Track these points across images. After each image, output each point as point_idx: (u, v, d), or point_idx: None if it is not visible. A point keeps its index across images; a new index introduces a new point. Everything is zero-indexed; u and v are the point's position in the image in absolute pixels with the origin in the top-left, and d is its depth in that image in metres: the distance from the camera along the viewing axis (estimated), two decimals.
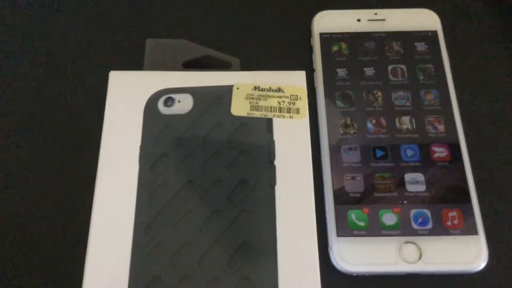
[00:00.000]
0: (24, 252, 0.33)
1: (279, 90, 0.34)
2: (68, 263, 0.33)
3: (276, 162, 0.32)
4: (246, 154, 0.32)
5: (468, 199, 0.33)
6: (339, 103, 0.36)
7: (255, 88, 0.34)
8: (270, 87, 0.34)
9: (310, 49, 0.39)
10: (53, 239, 0.33)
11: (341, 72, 0.37)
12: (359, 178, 0.34)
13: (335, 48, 0.38)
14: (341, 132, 0.35)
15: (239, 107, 0.34)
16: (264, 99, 0.34)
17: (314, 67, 0.38)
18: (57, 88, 0.38)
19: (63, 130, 0.37)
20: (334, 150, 0.35)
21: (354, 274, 0.32)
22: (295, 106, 0.34)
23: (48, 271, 0.32)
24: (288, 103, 0.34)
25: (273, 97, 0.34)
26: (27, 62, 0.39)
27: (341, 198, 0.33)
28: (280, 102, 0.34)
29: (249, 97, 0.34)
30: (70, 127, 0.37)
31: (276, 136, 0.33)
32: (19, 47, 0.40)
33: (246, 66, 0.38)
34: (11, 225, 0.34)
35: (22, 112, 0.37)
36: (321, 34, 0.39)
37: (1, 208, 0.34)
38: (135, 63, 0.38)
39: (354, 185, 0.34)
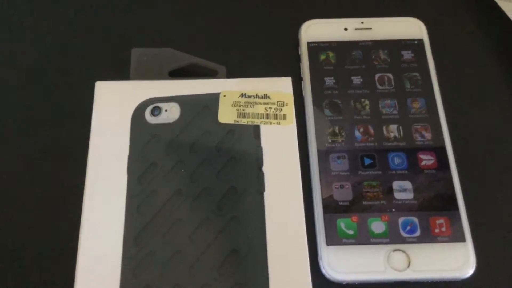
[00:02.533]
0: (13, 266, 0.33)
1: (265, 96, 0.35)
2: (57, 276, 0.33)
3: (264, 169, 0.33)
4: (234, 161, 0.33)
5: (455, 207, 0.34)
6: (327, 111, 0.37)
7: (242, 95, 0.35)
8: (256, 94, 0.35)
9: (297, 58, 0.40)
10: (41, 252, 0.33)
11: (329, 80, 0.38)
12: (347, 186, 0.34)
13: (322, 57, 0.39)
14: (329, 140, 0.36)
15: (226, 115, 0.34)
16: (251, 106, 0.34)
17: (302, 76, 0.39)
18: (43, 99, 0.38)
19: (50, 141, 0.37)
20: (323, 158, 0.35)
21: (344, 283, 0.32)
22: (282, 112, 0.34)
23: (38, 284, 0.33)
24: (275, 109, 0.34)
25: (260, 103, 0.35)
26: (12, 72, 0.39)
27: (330, 206, 0.34)
28: (267, 109, 0.34)
29: (236, 104, 0.34)
30: (57, 138, 0.37)
31: (264, 143, 0.34)
32: (4, 56, 0.40)
33: (232, 74, 0.38)
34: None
35: (8, 123, 0.37)
36: (308, 43, 0.39)
37: None
38: (121, 73, 0.38)
39: (343, 193, 0.34)
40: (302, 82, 0.38)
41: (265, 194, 0.32)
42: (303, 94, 0.38)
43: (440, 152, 0.35)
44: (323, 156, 0.35)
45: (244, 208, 0.32)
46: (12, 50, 0.40)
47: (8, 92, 0.39)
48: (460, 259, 0.32)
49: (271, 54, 0.40)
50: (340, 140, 0.36)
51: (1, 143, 0.37)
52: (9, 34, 0.41)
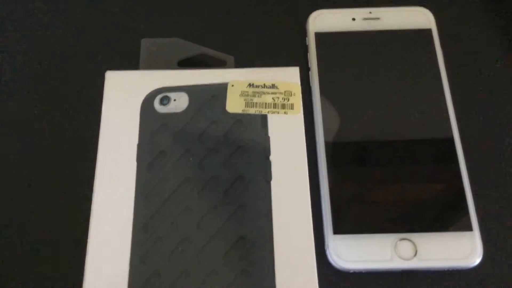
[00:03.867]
0: (23, 253, 0.34)
1: (273, 86, 0.35)
2: (68, 262, 0.34)
3: (271, 158, 0.33)
4: (241, 150, 0.34)
5: (463, 196, 0.34)
6: (334, 101, 0.37)
7: (250, 85, 0.35)
8: (264, 84, 0.35)
9: (305, 48, 0.40)
10: (52, 239, 0.34)
11: (337, 70, 0.38)
12: (355, 175, 0.35)
13: (330, 47, 0.39)
14: (337, 130, 0.36)
15: (234, 104, 0.35)
16: (258, 96, 0.35)
17: (309, 66, 0.39)
18: (52, 88, 0.39)
19: (60, 130, 0.38)
20: (330, 149, 0.36)
21: (351, 271, 0.33)
22: (289, 102, 0.35)
23: (49, 270, 0.34)
24: (282, 99, 0.35)
25: (268, 93, 0.35)
26: (20, 63, 0.40)
27: (336, 196, 0.34)
28: (274, 99, 0.35)
29: (243, 94, 0.35)
30: (67, 127, 0.38)
31: (271, 132, 0.34)
32: (12, 47, 0.41)
33: (241, 64, 0.39)
34: (9, 227, 0.35)
35: (17, 113, 0.38)
36: (316, 33, 0.40)
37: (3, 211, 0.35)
38: (130, 63, 0.39)
39: (350, 183, 0.35)
40: (309, 72, 0.39)
41: (272, 183, 0.33)
42: (311, 85, 0.38)
43: (448, 142, 0.36)
44: (330, 146, 0.36)
45: (251, 197, 0.32)
46: (22, 41, 0.41)
47: (17, 82, 0.39)
48: (467, 248, 0.32)
49: (279, 45, 0.41)
50: (347, 130, 0.36)
51: (11, 133, 0.38)
52: (19, 25, 0.42)
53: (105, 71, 0.36)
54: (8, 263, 0.34)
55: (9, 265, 0.34)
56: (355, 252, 0.33)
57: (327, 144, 0.36)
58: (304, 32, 0.41)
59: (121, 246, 0.31)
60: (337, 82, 0.38)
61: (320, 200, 0.35)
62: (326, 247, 0.33)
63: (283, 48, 0.41)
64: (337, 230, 0.33)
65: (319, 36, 0.40)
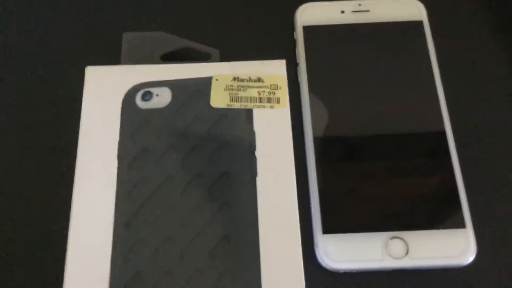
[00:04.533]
0: (3, 252, 0.33)
1: (259, 80, 0.35)
2: (48, 262, 0.33)
3: (257, 153, 0.33)
4: (226, 146, 0.33)
5: (455, 192, 0.33)
6: (323, 96, 0.36)
7: (235, 79, 0.35)
8: (249, 77, 0.35)
9: (292, 42, 0.39)
10: (31, 238, 0.34)
11: (325, 64, 0.38)
12: (344, 173, 0.34)
13: (319, 41, 0.38)
14: (326, 126, 0.35)
15: (219, 99, 0.34)
16: (243, 90, 0.34)
17: (297, 61, 0.38)
18: (32, 84, 0.38)
19: (39, 127, 0.37)
20: (319, 144, 0.35)
21: (341, 271, 0.32)
22: (276, 96, 0.34)
23: (28, 270, 0.33)
24: (268, 93, 0.34)
25: (253, 87, 0.34)
26: (2, 59, 0.40)
27: (326, 194, 0.33)
28: (260, 92, 0.34)
29: (228, 88, 0.34)
30: (46, 124, 0.37)
31: (257, 127, 0.33)
32: None
33: (226, 58, 0.38)
34: None
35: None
36: (304, 26, 0.39)
37: None
38: (112, 58, 0.38)
39: (339, 180, 0.34)
40: (297, 67, 0.38)
41: (258, 179, 0.32)
42: (299, 80, 0.38)
43: (440, 137, 0.35)
44: (319, 142, 0.35)
45: (236, 194, 0.32)
46: (2, 37, 0.40)
47: None
48: (460, 246, 0.32)
49: (266, 39, 0.40)
50: (337, 125, 0.35)
51: None
52: None
53: (85, 66, 0.35)
54: None
55: None
56: (345, 252, 0.32)
57: (316, 140, 0.35)
58: (292, 26, 0.40)
59: (102, 246, 0.31)
60: (326, 77, 0.37)
61: (309, 199, 0.34)
62: (315, 247, 0.32)
63: (270, 42, 0.40)
64: (326, 229, 0.33)
65: (308, 29, 0.39)
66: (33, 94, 0.38)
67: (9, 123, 0.37)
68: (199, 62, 0.36)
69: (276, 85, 0.35)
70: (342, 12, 0.39)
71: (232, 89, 0.34)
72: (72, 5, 0.41)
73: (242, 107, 0.34)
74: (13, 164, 0.36)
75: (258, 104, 0.34)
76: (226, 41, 0.40)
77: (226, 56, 0.38)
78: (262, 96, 0.34)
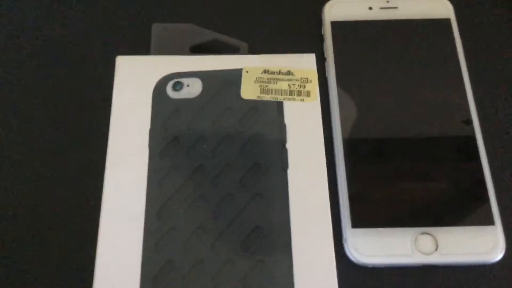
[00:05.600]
0: (36, 241, 0.33)
1: (289, 73, 0.35)
2: (80, 251, 0.33)
3: (288, 146, 0.33)
4: (257, 137, 0.33)
5: (484, 190, 0.34)
6: (351, 91, 0.37)
7: (265, 71, 0.35)
8: (279, 70, 0.35)
9: (320, 38, 0.40)
10: (65, 226, 0.34)
11: (353, 60, 0.38)
12: (373, 168, 0.34)
13: (346, 36, 0.39)
14: (355, 121, 0.36)
15: (249, 91, 0.34)
16: (274, 82, 0.35)
17: (325, 56, 0.38)
18: (64, 74, 0.39)
19: (71, 117, 0.37)
20: (347, 139, 0.35)
21: (370, 266, 0.32)
22: (306, 89, 0.35)
23: (60, 259, 0.33)
24: (298, 86, 0.35)
25: (283, 80, 0.35)
26: (31, 50, 0.40)
27: (355, 188, 0.34)
28: (290, 85, 0.35)
29: (258, 80, 0.35)
30: (78, 114, 0.37)
31: (287, 120, 0.34)
32: (25, 34, 0.40)
33: (254, 52, 0.38)
34: (22, 214, 0.34)
35: (29, 100, 0.38)
36: (332, 22, 0.39)
37: (13, 199, 0.35)
38: (141, 48, 0.38)
39: (368, 175, 0.34)
40: (325, 62, 0.38)
41: (289, 171, 0.32)
42: (327, 75, 0.38)
43: (469, 134, 0.35)
44: (348, 137, 0.35)
45: (267, 185, 0.32)
46: (32, 28, 0.41)
47: (29, 68, 0.39)
48: (489, 243, 0.32)
49: (293, 33, 0.40)
50: (365, 122, 0.36)
51: (23, 118, 0.37)
52: (27, 12, 0.41)
53: (115, 56, 0.36)
54: (21, 250, 0.33)
55: (22, 252, 0.33)
56: (374, 247, 0.32)
57: (344, 135, 0.35)
58: (319, 21, 0.40)
59: (134, 234, 0.31)
60: (353, 72, 0.37)
61: (338, 193, 0.34)
62: (344, 241, 0.33)
63: (298, 37, 0.40)
64: (355, 224, 0.33)
65: (335, 25, 0.39)
66: (66, 85, 0.38)
67: (42, 113, 0.37)
68: (229, 54, 0.36)
69: (306, 78, 0.35)
70: (370, 8, 0.40)
71: (263, 82, 0.35)
72: None
73: (273, 99, 0.34)
74: (45, 154, 0.36)
75: (288, 97, 0.34)
76: (254, 35, 0.40)
77: (254, 50, 0.38)
78: (292, 89, 0.34)
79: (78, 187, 0.35)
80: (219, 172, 0.32)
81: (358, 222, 0.33)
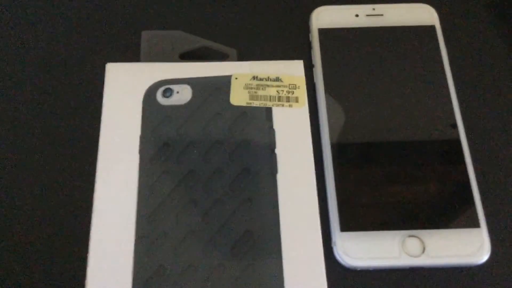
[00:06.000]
0: (26, 247, 0.34)
1: (277, 79, 0.36)
2: (70, 256, 0.33)
3: (277, 151, 0.34)
4: (246, 143, 0.34)
5: (470, 193, 0.34)
6: (339, 97, 0.37)
7: (254, 77, 0.35)
8: (268, 77, 0.36)
9: (307, 45, 0.40)
10: (54, 233, 0.34)
11: (341, 67, 0.38)
12: (361, 172, 0.35)
13: (334, 43, 0.39)
14: (342, 126, 0.36)
15: (238, 97, 0.35)
16: (262, 89, 0.35)
17: (313, 63, 0.39)
18: (54, 80, 0.39)
19: (61, 123, 0.37)
20: (335, 144, 0.36)
21: (358, 269, 0.33)
22: (294, 95, 0.35)
23: (51, 265, 0.33)
24: (287, 92, 0.35)
25: (272, 86, 0.35)
26: (20, 56, 0.40)
27: (343, 193, 0.34)
28: (279, 91, 0.35)
29: (247, 86, 0.35)
30: (68, 120, 0.38)
31: (276, 125, 0.34)
32: (12, 40, 0.41)
33: (243, 58, 0.39)
34: (11, 221, 0.34)
35: (18, 106, 0.38)
36: (319, 29, 0.40)
37: (4, 206, 0.35)
38: (131, 55, 0.39)
39: (356, 180, 0.35)
40: (313, 68, 0.39)
41: (278, 176, 0.33)
42: (315, 81, 0.38)
43: (454, 138, 0.36)
44: (336, 142, 0.36)
45: (257, 190, 0.32)
46: (23, 35, 0.41)
47: (20, 76, 0.39)
48: (475, 245, 0.33)
49: (281, 41, 0.41)
50: (353, 127, 0.36)
51: (12, 128, 0.37)
52: (19, 19, 0.42)
53: (105, 63, 0.36)
54: (12, 257, 0.33)
55: (13, 259, 0.33)
56: (362, 249, 0.33)
57: (332, 140, 0.36)
58: (306, 28, 0.41)
59: (125, 239, 0.31)
60: (341, 78, 0.38)
61: (327, 197, 0.35)
62: (333, 245, 0.33)
63: (286, 43, 0.41)
64: (344, 227, 0.33)
65: (323, 32, 0.40)
66: (55, 92, 0.39)
67: (31, 120, 0.38)
68: (218, 61, 0.37)
69: (295, 84, 0.35)
70: (357, 15, 0.40)
71: (252, 88, 0.35)
72: (92, 4, 0.42)
73: (262, 105, 0.35)
74: (35, 159, 0.36)
75: (277, 102, 0.35)
76: (242, 42, 0.41)
77: (243, 57, 0.39)
78: (281, 95, 0.35)
79: (69, 193, 0.35)
80: (209, 177, 0.33)
81: (347, 225, 0.33)
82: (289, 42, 0.41)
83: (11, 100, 0.38)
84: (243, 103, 0.35)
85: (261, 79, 0.35)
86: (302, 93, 0.35)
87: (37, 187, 0.35)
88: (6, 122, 0.37)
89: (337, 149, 0.36)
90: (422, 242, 0.33)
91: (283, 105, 0.35)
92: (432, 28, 0.40)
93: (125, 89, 0.35)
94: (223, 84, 0.35)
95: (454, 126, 0.36)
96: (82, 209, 0.34)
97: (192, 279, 0.30)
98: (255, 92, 0.35)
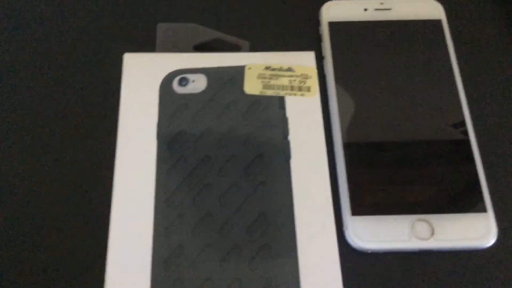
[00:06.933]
0: (47, 228, 0.35)
1: (289, 69, 0.37)
2: (91, 236, 0.35)
3: (289, 138, 0.35)
4: (260, 130, 0.35)
5: (477, 178, 0.36)
6: (348, 88, 0.39)
7: (266, 68, 0.37)
8: (281, 67, 0.37)
9: (317, 38, 0.42)
10: (76, 215, 0.35)
11: (350, 59, 0.40)
12: (371, 159, 0.36)
13: (343, 36, 0.41)
14: (352, 115, 0.38)
15: (252, 86, 0.36)
16: (275, 78, 0.37)
17: (323, 55, 0.41)
18: (71, 73, 0.40)
19: (80, 114, 0.39)
20: (345, 132, 0.37)
21: (369, 251, 0.34)
22: (306, 85, 0.36)
23: (72, 245, 0.34)
24: (299, 81, 0.37)
25: (284, 76, 0.37)
26: (39, 49, 0.41)
27: (354, 178, 0.35)
28: (291, 81, 0.37)
29: (261, 76, 0.37)
30: (87, 110, 0.39)
31: (289, 113, 0.36)
32: (30, 33, 0.42)
33: (255, 50, 0.40)
34: (32, 205, 0.35)
35: (36, 98, 0.39)
36: (329, 22, 0.41)
37: (19, 193, 0.36)
38: (146, 48, 0.40)
39: (367, 166, 0.36)
40: (323, 60, 0.40)
41: (291, 161, 0.34)
42: (325, 72, 0.40)
43: (461, 126, 0.37)
44: (346, 130, 0.37)
45: (271, 174, 0.34)
46: (39, 27, 0.42)
47: (38, 68, 0.40)
48: (482, 229, 0.34)
49: (292, 33, 0.42)
50: (362, 115, 0.38)
51: (30, 118, 0.38)
52: (36, 10, 0.43)
53: (121, 56, 0.37)
54: (36, 236, 0.34)
55: (37, 237, 0.34)
56: (373, 233, 0.34)
57: (343, 129, 0.37)
58: (317, 22, 0.42)
59: (144, 221, 0.32)
60: (350, 71, 0.39)
61: (338, 183, 0.36)
62: (344, 228, 0.34)
63: (297, 37, 0.42)
64: (355, 212, 0.34)
65: (333, 25, 0.41)
66: (74, 82, 0.40)
67: (50, 109, 0.39)
68: (232, 52, 0.38)
69: (307, 74, 0.37)
70: (365, 9, 0.42)
71: (265, 78, 0.37)
72: None
73: (275, 94, 0.36)
74: (55, 147, 0.37)
75: (289, 92, 0.36)
76: (254, 34, 0.42)
77: (255, 49, 0.40)
78: (293, 84, 0.36)
79: (90, 178, 0.36)
80: (224, 162, 0.34)
81: (358, 210, 0.35)
82: (300, 35, 0.42)
83: (30, 92, 0.39)
84: (257, 92, 0.36)
85: (274, 69, 0.37)
86: (313, 82, 0.37)
87: (57, 173, 0.36)
88: (24, 110, 0.39)
89: (347, 137, 0.37)
90: (431, 226, 0.34)
91: (295, 94, 0.36)
92: (438, 22, 0.42)
93: (142, 79, 0.36)
94: (237, 73, 0.37)
95: (461, 114, 0.38)
96: (102, 193, 0.35)
97: (209, 258, 0.31)
98: (268, 82, 0.36)
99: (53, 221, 0.35)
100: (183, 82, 0.36)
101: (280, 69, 0.37)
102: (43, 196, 0.36)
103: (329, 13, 0.42)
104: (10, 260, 0.34)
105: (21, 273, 0.33)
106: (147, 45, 0.40)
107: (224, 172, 0.34)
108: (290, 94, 0.36)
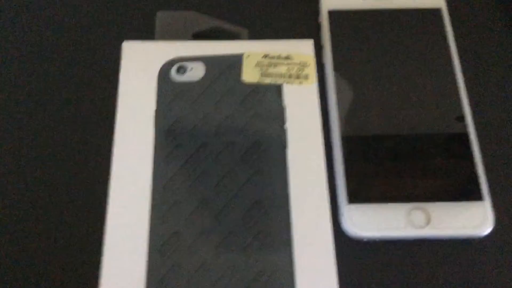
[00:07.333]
0: (45, 219, 0.35)
1: (288, 57, 0.37)
2: (87, 222, 0.35)
3: (287, 126, 0.35)
4: (257, 118, 0.35)
5: (474, 168, 0.36)
6: (347, 77, 0.39)
7: (265, 56, 0.37)
8: (279, 55, 0.37)
9: (317, 26, 0.42)
10: (72, 203, 0.36)
11: (349, 48, 0.40)
12: (368, 147, 0.36)
13: (343, 25, 0.41)
14: (350, 103, 0.38)
15: (250, 74, 0.37)
16: (273, 66, 0.37)
17: (322, 43, 0.41)
18: (69, 60, 0.41)
19: (78, 100, 0.39)
20: (343, 121, 0.37)
21: (365, 239, 0.34)
22: (304, 73, 0.37)
23: (69, 233, 0.35)
24: (297, 69, 0.37)
25: (282, 64, 0.37)
26: (36, 36, 0.42)
27: (351, 166, 0.36)
28: (289, 69, 0.37)
29: (259, 64, 0.37)
30: (84, 97, 0.39)
31: (287, 101, 0.36)
32: (26, 20, 0.42)
33: (254, 38, 0.40)
34: (30, 191, 0.36)
35: (35, 84, 0.40)
36: (329, 11, 0.42)
37: (15, 188, 0.36)
38: (146, 35, 0.40)
39: (363, 154, 0.36)
40: (322, 49, 0.41)
41: (288, 149, 0.34)
42: (323, 62, 0.40)
43: (459, 114, 0.37)
44: (344, 119, 0.37)
45: (267, 162, 0.34)
46: (37, 14, 0.43)
47: (34, 54, 0.41)
48: (478, 217, 0.34)
49: (291, 22, 0.43)
50: (360, 104, 0.38)
51: (28, 102, 0.39)
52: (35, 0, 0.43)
53: (121, 43, 0.38)
54: (31, 218, 0.35)
55: (35, 227, 0.35)
56: (369, 221, 0.34)
57: (340, 116, 0.37)
58: (316, 10, 0.42)
59: (141, 208, 0.33)
60: (349, 59, 0.40)
61: (334, 171, 0.36)
62: (340, 216, 0.35)
63: (296, 25, 0.42)
64: (351, 200, 0.35)
65: (332, 14, 0.41)
66: (72, 70, 0.40)
67: (47, 98, 0.39)
68: (230, 40, 0.38)
69: (305, 62, 0.37)
70: None
71: (263, 66, 0.37)
72: None
73: (272, 82, 0.36)
74: (52, 132, 0.38)
75: (287, 80, 0.36)
76: (253, 23, 0.42)
77: (254, 37, 0.41)
78: (291, 72, 0.37)
79: (87, 164, 0.37)
80: (221, 150, 0.34)
81: (354, 198, 0.35)
82: (298, 23, 0.42)
83: (26, 78, 0.40)
84: (255, 80, 0.36)
85: (272, 57, 0.37)
86: (311, 71, 0.37)
87: (54, 162, 0.37)
88: (21, 98, 0.39)
89: (344, 125, 0.37)
90: (427, 214, 0.34)
91: (293, 83, 0.36)
92: (438, 11, 0.42)
93: (140, 66, 0.37)
94: (235, 61, 0.37)
95: (459, 103, 0.38)
96: (100, 180, 0.36)
97: (204, 244, 0.32)
98: (266, 70, 0.37)
99: (49, 205, 0.35)
100: (181, 70, 0.36)
101: (279, 57, 0.37)
102: (38, 179, 0.36)
103: (328, 2, 0.42)
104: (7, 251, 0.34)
105: (18, 257, 0.34)
106: (147, 32, 0.40)
107: (221, 160, 0.34)
108: (288, 82, 0.36)
